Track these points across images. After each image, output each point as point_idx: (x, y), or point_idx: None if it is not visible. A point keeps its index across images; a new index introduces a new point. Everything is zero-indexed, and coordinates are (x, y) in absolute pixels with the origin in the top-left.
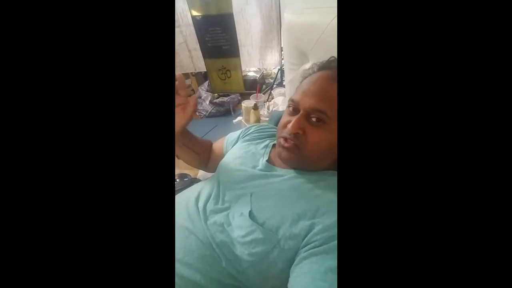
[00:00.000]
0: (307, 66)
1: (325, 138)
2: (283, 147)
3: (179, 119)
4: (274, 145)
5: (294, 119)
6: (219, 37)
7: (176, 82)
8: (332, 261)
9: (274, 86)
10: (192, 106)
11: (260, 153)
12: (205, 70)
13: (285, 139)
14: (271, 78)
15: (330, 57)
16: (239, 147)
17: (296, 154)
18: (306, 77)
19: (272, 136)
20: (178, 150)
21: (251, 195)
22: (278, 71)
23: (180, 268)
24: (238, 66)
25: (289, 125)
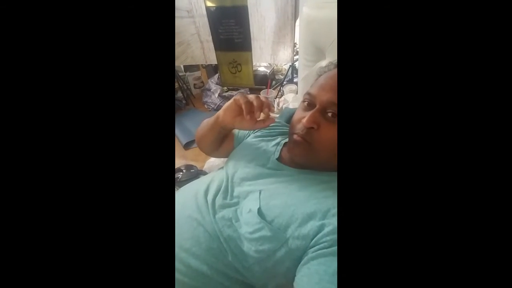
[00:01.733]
0: (323, 63)
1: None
2: (295, 142)
3: (249, 125)
4: (285, 144)
5: (309, 114)
6: (232, 30)
7: (266, 101)
8: None
9: (285, 82)
10: (264, 124)
11: (271, 150)
12: (216, 63)
13: (298, 135)
14: (282, 74)
15: None
16: (249, 143)
17: (307, 150)
18: (322, 74)
19: (283, 133)
20: (207, 136)
21: (260, 193)
22: (289, 68)
23: (187, 258)
24: (249, 61)
25: (304, 120)
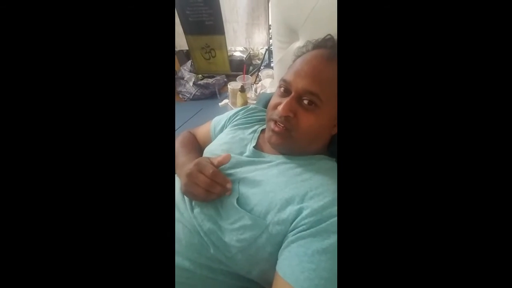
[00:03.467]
0: (300, 44)
1: (316, 122)
2: (273, 131)
3: (200, 192)
4: (262, 131)
5: (285, 101)
6: (201, 11)
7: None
8: (319, 244)
9: (262, 67)
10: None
11: (248, 138)
12: (187, 48)
13: (275, 123)
14: (258, 59)
15: (327, 35)
16: (226, 133)
17: (286, 139)
18: (300, 56)
19: (261, 120)
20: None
21: (238, 183)
22: (265, 52)
23: None
24: (223, 45)
25: (280, 107)
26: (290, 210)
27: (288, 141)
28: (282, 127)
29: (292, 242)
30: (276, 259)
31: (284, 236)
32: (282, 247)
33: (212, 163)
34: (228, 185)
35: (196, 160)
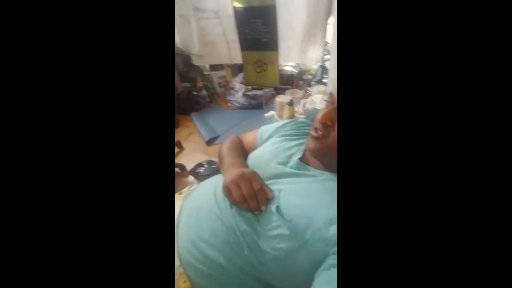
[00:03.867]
0: None
1: None
2: (312, 137)
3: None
4: None
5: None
6: (259, 30)
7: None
8: None
9: (313, 83)
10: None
11: (294, 150)
12: (241, 63)
13: (316, 130)
14: (310, 75)
15: None
16: (272, 142)
17: (322, 145)
18: None
19: (308, 134)
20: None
21: (279, 191)
22: (319, 68)
23: (206, 249)
24: (275, 60)
25: (319, 116)
26: (334, 230)
27: (323, 147)
28: (320, 133)
29: (334, 266)
30: (312, 278)
31: (325, 255)
32: (322, 267)
33: (262, 182)
34: (263, 207)
35: (254, 170)
